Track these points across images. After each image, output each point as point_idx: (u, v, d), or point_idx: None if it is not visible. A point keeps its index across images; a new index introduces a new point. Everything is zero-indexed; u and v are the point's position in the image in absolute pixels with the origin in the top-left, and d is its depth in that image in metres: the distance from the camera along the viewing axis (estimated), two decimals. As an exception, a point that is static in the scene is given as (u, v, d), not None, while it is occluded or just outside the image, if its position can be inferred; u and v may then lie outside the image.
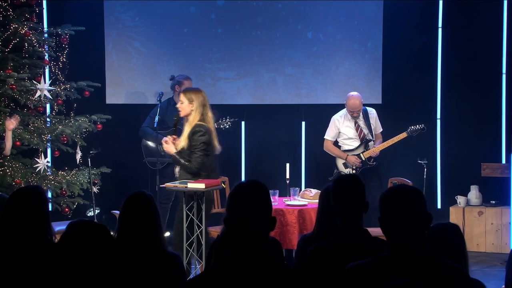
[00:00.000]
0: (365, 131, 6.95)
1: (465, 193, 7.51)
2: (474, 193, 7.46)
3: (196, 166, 5.41)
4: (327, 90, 7.86)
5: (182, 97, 5.51)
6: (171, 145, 5.51)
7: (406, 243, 2.43)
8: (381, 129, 7.09)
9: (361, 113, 6.92)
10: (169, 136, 5.59)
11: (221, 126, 6.97)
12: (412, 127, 6.87)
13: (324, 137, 7.06)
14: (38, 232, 3.24)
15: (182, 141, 5.46)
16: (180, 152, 5.47)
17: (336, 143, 7.08)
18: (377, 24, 7.74)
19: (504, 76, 7.66)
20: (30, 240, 3.21)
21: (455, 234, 2.97)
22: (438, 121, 7.84)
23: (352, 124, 6.95)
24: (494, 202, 7.41)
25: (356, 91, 7.06)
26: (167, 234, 7.35)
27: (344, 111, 6.99)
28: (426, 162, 6.88)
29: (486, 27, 7.64)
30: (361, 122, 6.96)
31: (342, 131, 6.99)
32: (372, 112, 7.03)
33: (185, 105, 5.48)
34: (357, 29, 7.78)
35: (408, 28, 7.74)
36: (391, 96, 7.42)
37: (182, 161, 5.43)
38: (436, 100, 7.83)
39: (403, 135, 6.88)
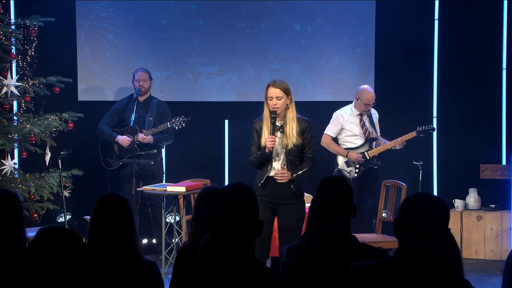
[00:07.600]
0: (370, 129, 7.02)
1: (463, 196, 7.55)
2: (472, 197, 7.53)
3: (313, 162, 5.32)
4: (316, 86, 7.89)
5: (281, 92, 5.16)
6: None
7: (410, 252, 2.54)
8: (379, 134, 7.13)
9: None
10: (273, 136, 5.17)
11: (174, 125, 7.01)
12: (421, 127, 6.92)
13: (325, 132, 7.01)
14: (12, 237, 3.28)
15: (291, 140, 5.18)
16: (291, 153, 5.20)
17: (335, 141, 7.08)
18: (369, 16, 7.78)
19: (504, 72, 7.74)
20: (3, 245, 3.24)
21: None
22: (434, 120, 7.87)
23: (357, 121, 7.00)
24: (493, 206, 7.46)
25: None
26: (145, 241, 7.37)
27: (347, 107, 7.05)
28: (422, 163, 6.95)
29: (485, 20, 7.70)
30: (367, 121, 7.03)
31: (346, 127, 7.01)
32: (375, 113, 7.12)
33: (283, 100, 5.21)
34: (348, 21, 7.82)
35: (403, 20, 7.78)
36: (384, 93, 7.41)
37: (306, 169, 5.25)
38: (432, 97, 7.88)
39: (412, 134, 6.92)
